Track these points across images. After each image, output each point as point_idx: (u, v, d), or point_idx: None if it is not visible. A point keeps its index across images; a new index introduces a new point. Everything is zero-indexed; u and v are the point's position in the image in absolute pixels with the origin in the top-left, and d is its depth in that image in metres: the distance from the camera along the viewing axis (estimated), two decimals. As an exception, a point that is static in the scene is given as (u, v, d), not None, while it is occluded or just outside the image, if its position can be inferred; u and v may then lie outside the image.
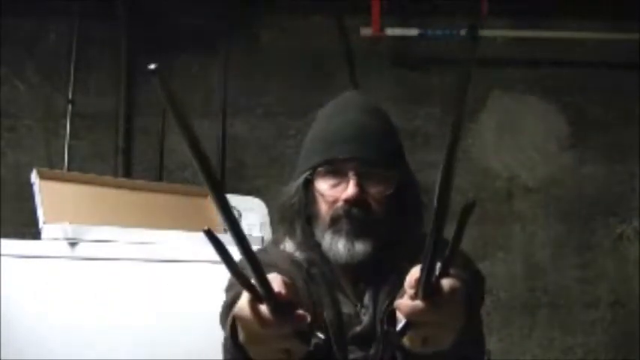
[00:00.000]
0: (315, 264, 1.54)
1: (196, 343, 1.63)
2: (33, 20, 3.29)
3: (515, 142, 3.34)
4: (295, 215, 1.55)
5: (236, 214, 2.68)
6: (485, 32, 3.30)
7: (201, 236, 2.12)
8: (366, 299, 1.53)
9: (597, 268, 3.27)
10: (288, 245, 1.59)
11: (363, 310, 1.52)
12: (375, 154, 1.52)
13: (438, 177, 1.13)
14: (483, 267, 3.19)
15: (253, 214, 2.69)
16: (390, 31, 3.24)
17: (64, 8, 3.27)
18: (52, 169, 2.74)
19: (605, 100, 3.35)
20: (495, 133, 3.35)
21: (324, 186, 1.52)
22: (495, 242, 3.27)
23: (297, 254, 1.56)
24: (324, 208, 1.52)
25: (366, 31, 3.23)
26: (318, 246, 1.53)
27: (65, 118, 3.22)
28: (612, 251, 3.29)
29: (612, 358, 3.23)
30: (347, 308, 1.52)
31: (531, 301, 3.25)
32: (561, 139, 3.35)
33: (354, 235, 1.48)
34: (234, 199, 2.75)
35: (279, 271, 1.28)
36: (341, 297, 1.53)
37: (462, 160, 3.31)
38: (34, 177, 2.31)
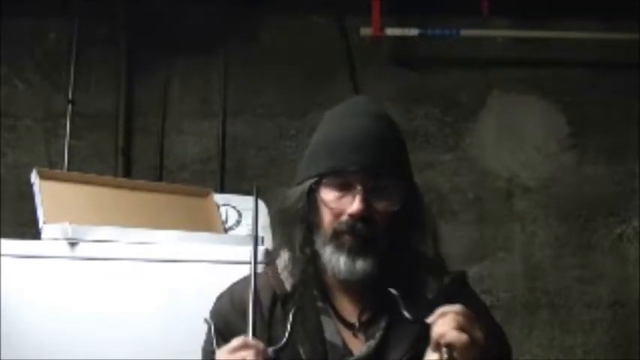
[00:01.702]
0: (304, 284, 1.51)
1: (196, 343, 1.63)
2: (33, 20, 3.29)
3: (515, 142, 3.34)
4: (297, 222, 1.52)
5: (236, 214, 2.69)
6: (485, 32, 3.30)
7: (201, 236, 2.14)
8: (366, 318, 1.49)
9: (597, 268, 3.27)
10: (281, 261, 1.56)
11: (360, 334, 1.48)
12: (383, 167, 1.47)
13: None
14: (483, 267, 3.23)
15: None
16: (390, 31, 3.24)
17: (64, 8, 3.27)
18: (52, 169, 2.74)
19: (605, 100, 3.34)
20: (495, 133, 3.34)
21: (329, 196, 1.48)
22: (495, 242, 3.27)
23: (285, 275, 1.53)
24: (327, 218, 1.48)
25: (366, 31, 3.23)
26: (316, 257, 1.50)
27: (65, 118, 3.22)
28: (612, 251, 3.29)
29: (612, 358, 3.23)
30: (333, 336, 1.48)
31: (531, 301, 3.25)
32: (561, 139, 3.35)
33: (355, 252, 1.45)
34: (234, 199, 2.76)
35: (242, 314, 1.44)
36: (328, 324, 1.49)
37: (461, 159, 3.31)
38: (34, 177, 2.31)
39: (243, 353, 1.36)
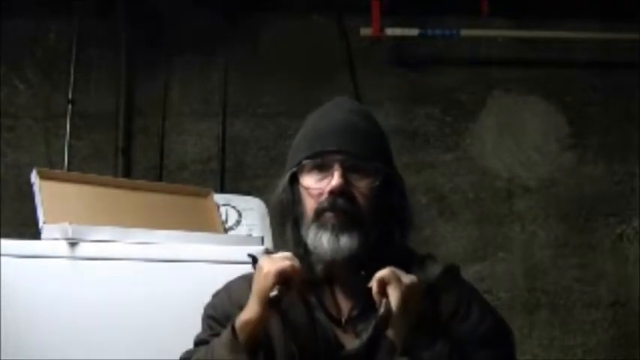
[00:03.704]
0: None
1: (196, 343, 1.64)
2: (33, 20, 3.29)
3: (515, 142, 3.34)
4: (285, 217, 1.54)
5: (236, 214, 2.69)
6: (485, 32, 3.30)
7: (201, 236, 2.14)
8: (356, 314, 1.50)
9: (597, 268, 3.27)
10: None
11: (350, 329, 1.49)
12: (360, 147, 1.50)
13: None
14: (483, 267, 3.23)
15: (253, 214, 2.69)
16: (390, 31, 3.24)
17: (64, 8, 3.27)
18: (52, 169, 2.73)
19: (605, 100, 3.35)
20: (495, 133, 3.35)
21: (309, 180, 1.51)
22: (495, 242, 3.27)
23: None
24: (309, 203, 1.50)
25: (366, 31, 3.23)
26: (304, 247, 1.51)
27: (65, 118, 3.22)
28: (612, 251, 3.29)
29: (612, 358, 3.23)
30: (325, 332, 1.49)
31: (531, 301, 3.25)
32: (561, 139, 3.35)
33: (339, 228, 1.46)
34: (234, 199, 2.76)
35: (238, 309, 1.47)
36: (320, 320, 1.50)
37: (461, 159, 3.31)
38: (34, 177, 2.31)
39: (288, 262, 1.43)
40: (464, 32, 3.25)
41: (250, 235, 2.58)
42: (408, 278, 1.39)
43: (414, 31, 3.25)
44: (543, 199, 3.31)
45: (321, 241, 1.47)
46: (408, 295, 1.37)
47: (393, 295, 1.37)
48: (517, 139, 3.34)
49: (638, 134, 3.31)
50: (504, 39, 3.36)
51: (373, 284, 1.39)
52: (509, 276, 3.25)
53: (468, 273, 3.06)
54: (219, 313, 1.56)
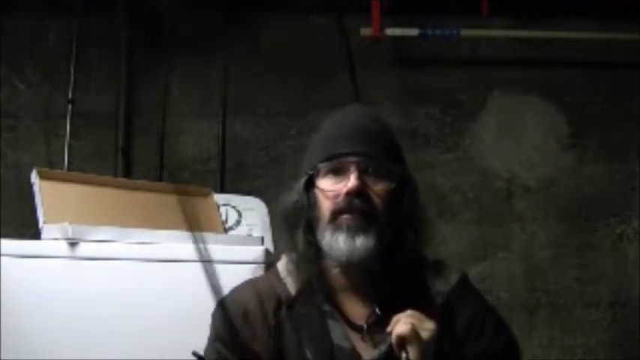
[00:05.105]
0: (309, 287, 1.51)
1: (196, 344, 1.63)
2: (33, 20, 3.29)
3: (515, 142, 3.34)
4: (298, 220, 1.53)
5: (236, 214, 2.69)
6: (485, 32, 3.30)
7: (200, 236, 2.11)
8: (374, 321, 1.50)
9: (597, 268, 3.27)
10: (283, 265, 1.56)
11: (367, 338, 1.49)
12: (375, 149, 1.51)
13: None
14: (483, 267, 3.23)
15: (253, 214, 2.69)
16: (390, 31, 3.24)
17: (63, 8, 3.27)
18: (52, 169, 2.73)
19: (605, 100, 3.34)
20: (495, 133, 3.34)
21: (326, 184, 1.51)
22: (495, 242, 3.27)
23: (289, 280, 1.53)
24: (325, 205, 1.50)
25: (366, 31, 3.23)
26: (317, 250, 1.51)
27: (65, 118, 3.22)
28: (612, 251, 3.28)
29: (612, 358, 3.23)
30: (341, 340, 1.49)
31: (531, 301, 3.25)
32: (561, 139, 3.35)
33: (355, 230, 1.46)
34: (234, 199, 2.76)
35: (244, 318, 1.47)
36: (335, 327, 1.49)
37: (461, 159, 3.31)
38: (34, 177, 2.31)
39: None
40: (464, 32, 3.25)
41: (250, 235, 2.58)
42: (426, 333, 1.40)
43: (414, 31, 3.25)
44: (543, 199, 3.31)
45: (338, 241, 1.47)
46: (426, 348, 1.39)
47: (412, 354, 1.38)
48: (517, 139, 3.34)
49: (638, 134, 3.31)
50: (504, 39, 3.36)
51: (392, 338, 1.40)
52: (509, 276, 3.25)
53: (468, 273, 3.06)
54: (225, 335, 1.54)
